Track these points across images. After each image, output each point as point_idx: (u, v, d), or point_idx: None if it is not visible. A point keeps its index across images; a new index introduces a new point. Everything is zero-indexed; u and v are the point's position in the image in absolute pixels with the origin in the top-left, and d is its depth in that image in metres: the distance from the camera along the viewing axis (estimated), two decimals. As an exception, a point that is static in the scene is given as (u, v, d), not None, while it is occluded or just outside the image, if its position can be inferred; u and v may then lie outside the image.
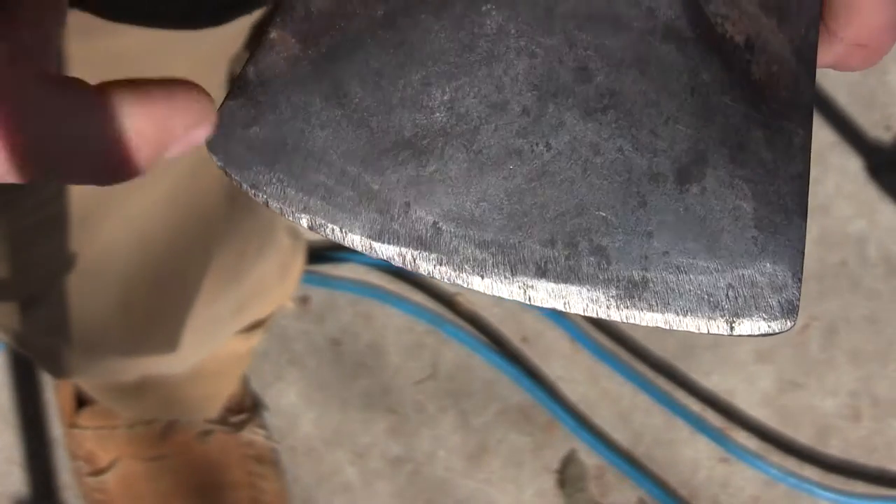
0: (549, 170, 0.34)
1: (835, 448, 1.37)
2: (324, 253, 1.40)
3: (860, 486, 1.36)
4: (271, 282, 1.09)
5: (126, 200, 0.76)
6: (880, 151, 1.46)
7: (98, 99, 0.31)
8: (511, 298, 0.35)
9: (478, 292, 0.34)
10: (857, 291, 1.42)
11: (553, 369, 1.38)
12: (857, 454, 1.37)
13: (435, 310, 1.39)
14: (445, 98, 0.34)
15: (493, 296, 0.34)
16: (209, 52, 0.65)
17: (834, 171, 1.45)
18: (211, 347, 1.05)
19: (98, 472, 1.28)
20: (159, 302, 0.91)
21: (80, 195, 0.72)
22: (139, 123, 0.31)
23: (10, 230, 0.74)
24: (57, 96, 0.30)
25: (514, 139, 0.34)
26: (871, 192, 1.44)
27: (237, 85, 0.34)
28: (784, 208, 0.35)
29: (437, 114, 0.34)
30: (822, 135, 1.46)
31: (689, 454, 1.37)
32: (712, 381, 1.39)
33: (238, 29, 0.63)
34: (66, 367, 1.01)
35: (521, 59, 0.34)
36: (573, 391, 1.38)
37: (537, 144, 0.34)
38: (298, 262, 1.14)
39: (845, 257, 1.43)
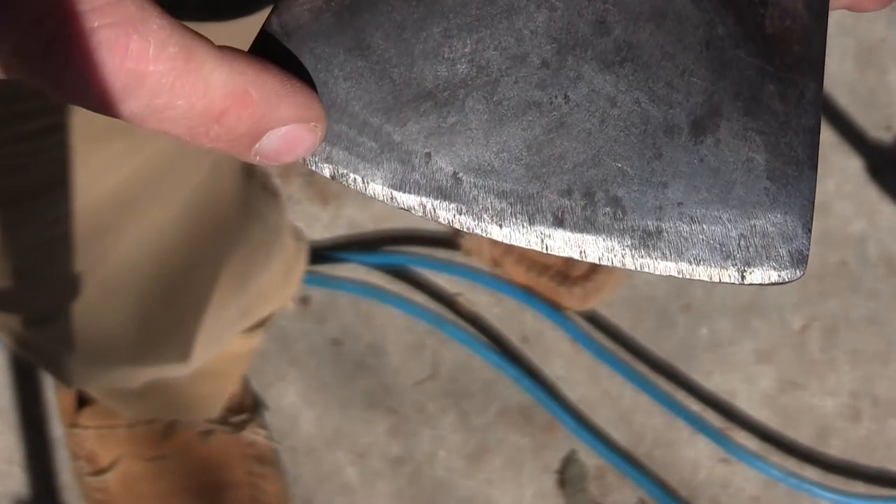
0: (568, 121, 0.35)
1: (835, 448, 1.38)
2: (324, 253, 1.40)
3: (860, 487, 1.36)
4: (276, 285, 1.09)
5: (144, 214, 0.76)
6: (880, 151, 1.46)
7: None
8: (528, 247, 0.35)
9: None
10: (857, 291, 1.42)
11: (553, 369, 1.39)
12: (857, 454, 1.37)
13: (435, 310, 1.39)
14: (466, 50, 0.35)
15: (509, 243, 0.35)
16: (231, 43, 0.65)
17: (834, 171, 1.46)
18: (216, 351, 1.05)
19: (99, 472, 1.28)
20: (173, 315, 0.91)
21: (99, 209, 0.71)
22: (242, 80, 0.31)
23: (27, 245, 0.73)
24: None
25: (534, 91, 0.35)
26: (871, 192, 1.45)
27: (261, 36, 0.35)
28: (795, 160, 0.36)
29: (459, 66, 0.35)
30: (823, 135, 1.46)
31: (690, 454, 1.37)
32: (713, 382, 1.39)
33: (260, 19, 0.64)
34: (73, 376, 1.01)
35: (540, 11, 0.35)
36: (573, 391, 1.38)
37: (556, 96, 0.35)
38: (301, 264, 1.15)
39: (845, 257, 1.43)
